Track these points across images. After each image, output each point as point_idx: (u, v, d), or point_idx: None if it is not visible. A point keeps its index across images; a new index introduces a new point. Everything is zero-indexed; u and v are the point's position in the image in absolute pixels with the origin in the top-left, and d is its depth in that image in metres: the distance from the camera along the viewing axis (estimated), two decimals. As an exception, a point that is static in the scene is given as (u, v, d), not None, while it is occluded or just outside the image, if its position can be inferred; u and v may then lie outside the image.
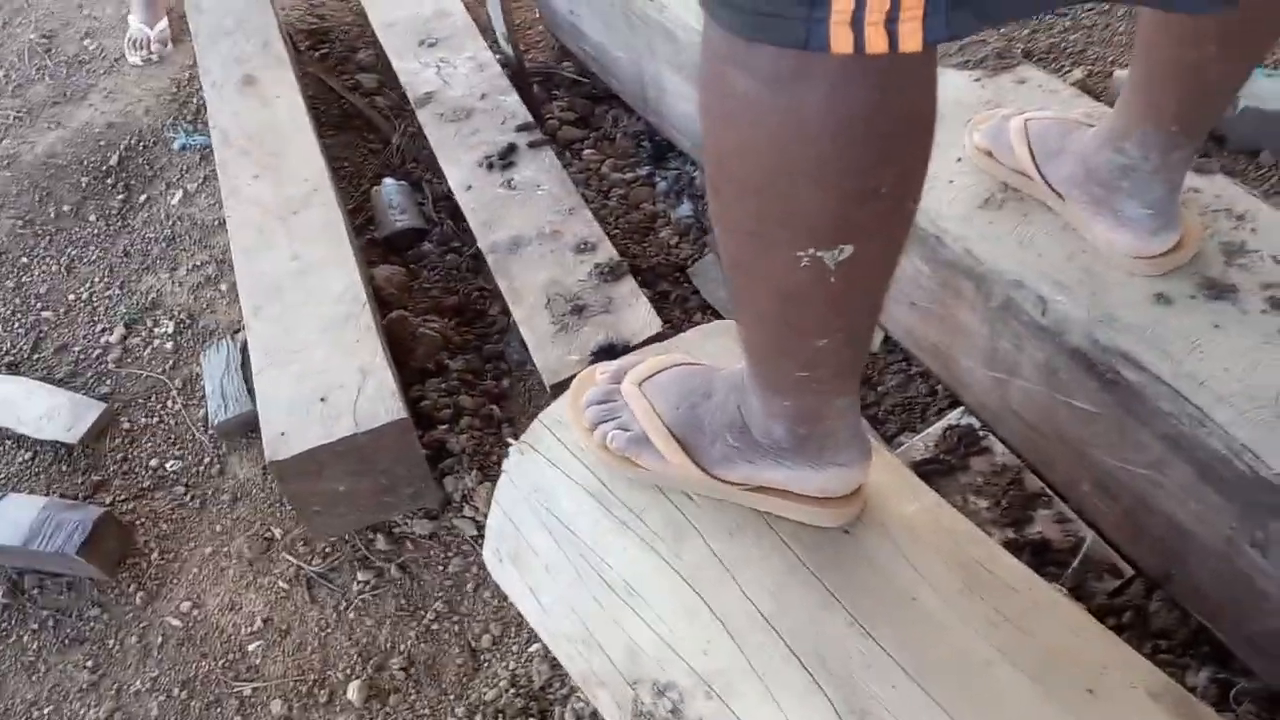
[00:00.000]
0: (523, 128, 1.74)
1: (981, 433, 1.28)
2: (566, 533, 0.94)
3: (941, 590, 0.82)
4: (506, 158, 1.67)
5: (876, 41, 0.50)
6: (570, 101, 1.99)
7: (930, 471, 1.25)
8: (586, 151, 1.88)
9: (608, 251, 1.49)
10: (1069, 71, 1.69)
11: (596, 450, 0.93)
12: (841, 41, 0.50)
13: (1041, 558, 1.15)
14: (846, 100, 0.54)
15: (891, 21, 0.49)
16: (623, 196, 1.79)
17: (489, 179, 1.65)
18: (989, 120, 1.21)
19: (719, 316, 1.55)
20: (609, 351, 1.33)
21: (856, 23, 0.49)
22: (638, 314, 1.39)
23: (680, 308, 1.59)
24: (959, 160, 1.22)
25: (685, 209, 1.72)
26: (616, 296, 1.42)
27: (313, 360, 1.35)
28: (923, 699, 0.75)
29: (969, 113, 1.27)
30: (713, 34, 0.55)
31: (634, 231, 1.72)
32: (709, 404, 0.87)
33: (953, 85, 1.31)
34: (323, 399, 1.29)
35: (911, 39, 0.50)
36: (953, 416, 1.31)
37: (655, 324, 1.36)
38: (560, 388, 1.24)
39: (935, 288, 1.22)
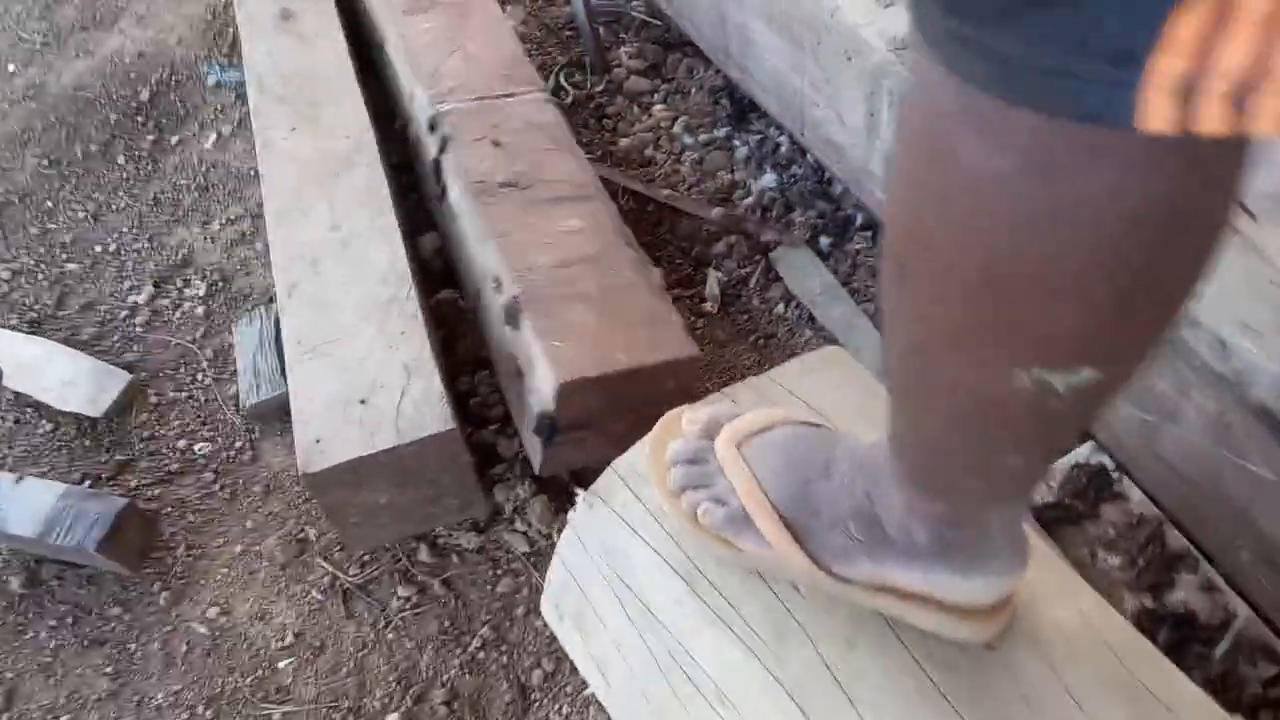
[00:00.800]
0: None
1: (1115, 474, 1.11)
2: (643, 611, 0.79)
3: (1108, 732, 0.66)
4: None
5: (1216, 118, 0.32)
6: (640, 48, 1.78)
7: (1054, 519, 1.09)
8: (657, 107, 1.69)
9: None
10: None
11: (684, 521, 0.78)
12: (1158, 115, 0.32)
13: (1183, 632, 0.99)
14: (1141, 194, 0.36)
15: (1244, 94, 0.31)
16: (697, 161, 1.60)
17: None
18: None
19: (803, 311, 1.38)
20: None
21: (1187, 91, 0.31)
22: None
23: (760, 296, 1.42)
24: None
25: (769, 179, 1.53)
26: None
27: (352, 352, 1.20)
28: None
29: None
30: (938, 80, 0.37)
31: (710, 202, 1.54)
32: (828, 484, 0.72)
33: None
34: (363, 401, 1.15)
35: (1271, 119, 0.32)
36: (1081, 453, 1.13)
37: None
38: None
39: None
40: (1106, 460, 1.12)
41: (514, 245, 1.20)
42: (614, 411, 1.13)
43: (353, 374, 1.18)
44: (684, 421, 0.82)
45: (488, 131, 1.36)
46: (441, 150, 1.37)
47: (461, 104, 1.42)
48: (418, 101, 1.49)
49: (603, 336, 1.10)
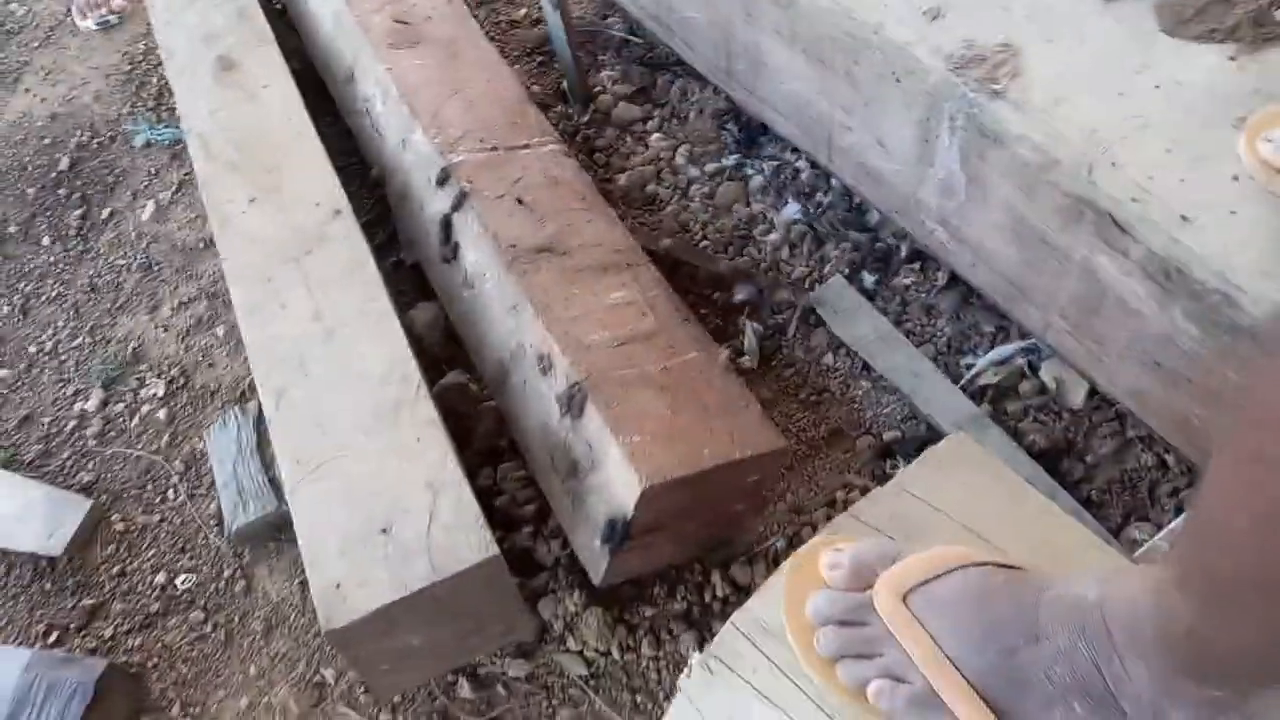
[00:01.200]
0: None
1: (1244, 527, 0.99)
2: (800, 809, 0.64)
3: None
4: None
5: None
6: (624, 70, 1.62)
7: (1183, 584, 0.97)
8: (653, 137, 1.53)
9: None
10: None
11: (843, 696, 0.63)
12: None
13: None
14: None
15: None
16: (707, 196, 1.44)
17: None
18: (1282, 123, 0.88)
19: (854, 358, 1.24)
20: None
21: None
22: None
23: (803, 346, 1.28)
24: (1235, 179, 0.89)
25: (792, 210, 1.38)
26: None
27: (361, 470, 1.03)
28: None
29: (1232, 106, 0.94)
30: None
31: (729, 242, 1.39)
32: (1037, 651, 0.57)
33: (1201, 66, 0.98)
34: (384, 530, 0.98)
35: None
36: (1201, 504, 1.01)
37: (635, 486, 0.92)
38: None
39: (1205, 354, 0.91)
40: (1233, 512, 1.00)
41: (561, 320, 1.04)
42: (689, 512, 0.98)
43: (367, 498, 1.00)
44: (824, 566, 0.68)
45: (509, 188, 1.19)
46: (455, 207, 1.19)
47: (473, 155, 1.24)
48: (415, 149, 1.31)
49: (680, 429, 0.94)
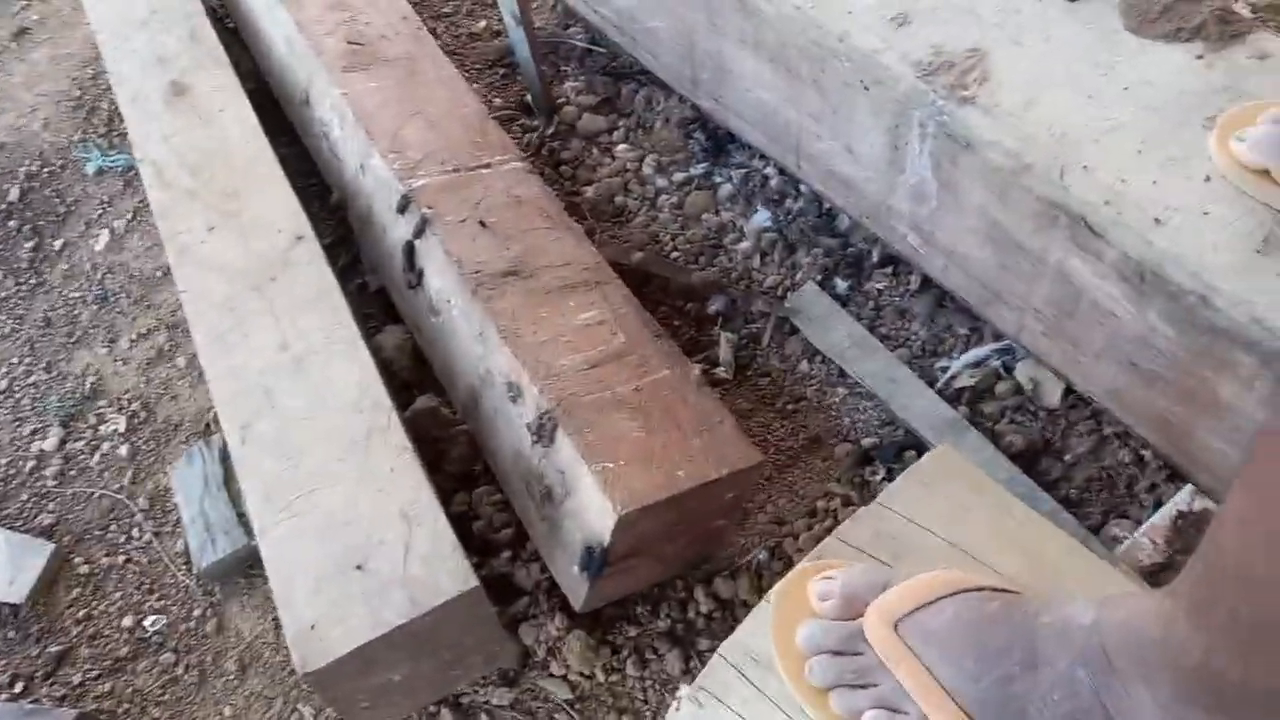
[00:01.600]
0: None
1: (1226, 524, 0.99)
2: (801, 845, 0.63)
3: None
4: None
5: None
6: (587, 80, 1.60)
7: (1166, 580, 0.97)
8: (619, 147, 1.51)
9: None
10: None
11: (839, 726, 0.62)
12: None
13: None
14: None
15: None
16: (675, 206, 1.43)
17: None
18: (1251, 121, 0.88)
19: (831, 365, 1.23)
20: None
21: None
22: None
23: (778, 354, 1.27)
24: (1208, 180, 0.89)
25: (762, 218, 1.37)
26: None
27: (333, 503, 1.00)
28: None
29: (1201, 105, 0.94)
30: None
31: (699, 252, 1.37)
32: (1034, 679, 0.56)
33: (1169, 65, 0.98)
34: (359, 566, 0.95)
35: None
36: (1180, 500, 1.01)
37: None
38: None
39: (1182, 354, 0.91)
40: (1211, 505, 1.00)
41: (529, 345, 1.02)
42: (668, 534, 0.96)
43: (340, 533, 0.97)
44: (814, 596, 0.66)
45: (471, 211, 1.16)
46: (418, 234, 1.17)
47: (433, 178, 1.21)
48: (374, 174, 1.28)
49: (656, 451, 0.93)
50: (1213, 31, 0.98)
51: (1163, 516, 1.01)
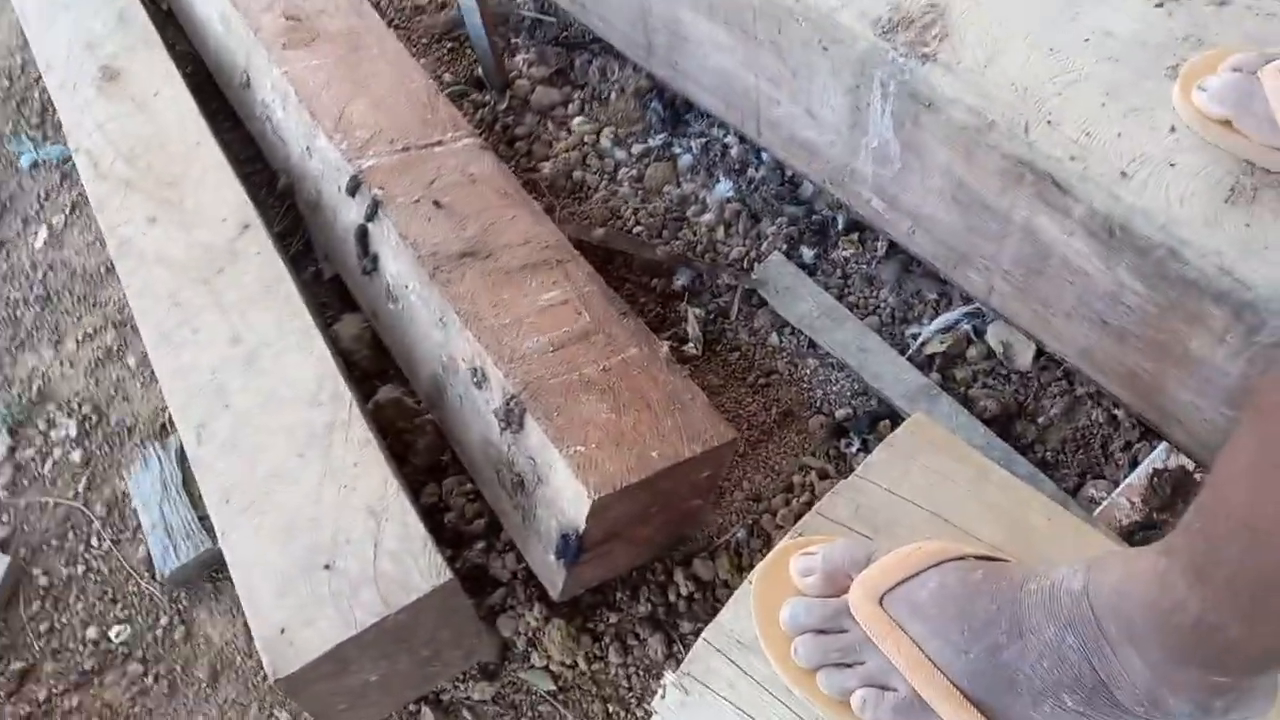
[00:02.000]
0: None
1: (1199, 475, 0.99)
2: (792, 830, 0.62)
3: None
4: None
5: None
6: (539, 52, 1.56)
7: (1145, 539, 0.97)
8: (575, 120, 1.47)
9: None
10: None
11: (826, 708, 0.60)
12: None
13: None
14: None
15: None
16: (636, 179, 1.40)
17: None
18: (1213, 70, 0.87)
19: (801, 336, 1.21)
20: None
21: None
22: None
23: (747, 328, 1.25)
24: (1173, 131, 0.88)
25: (724, 188, 1.34)
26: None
27: (295, 501, 0.97)
28: None
29: (1162, 54, 0.93)
30: None
31: (662, 225, 1.35)
32: (1022, 646, 0.55)
33: (1128, 13, 0.96)
34: (327, 566, 0.92)
35: None
36: (1156, 457, 1.01)
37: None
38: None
39: (1151, 309, 0.90)
40: (1186, 462, 1.00)
41: (491, 329, 0.99)
42: (643, 516, 0.94)
43: (305, 531, 0.94)
44: (795, 573, 0.65)
45: (425, 191, 1.12)
46: (370, 217, 1.13)
47: (383, 158, 1.17)
48: (321, 157, 1.24)
49: (627, 432, 0.90)
50: (1173, -20, 0.97)
51: (1139, 476, 1.01)
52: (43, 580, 1.20)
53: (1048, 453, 1.07)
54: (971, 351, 1.15)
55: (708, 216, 1.33)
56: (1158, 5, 0.96)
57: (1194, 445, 0.98)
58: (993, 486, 0.73)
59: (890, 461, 0.74)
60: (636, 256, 1.30)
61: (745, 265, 1.28)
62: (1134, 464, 1.03)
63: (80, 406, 1.33)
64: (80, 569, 1.20)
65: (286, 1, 1.43)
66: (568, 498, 0.89)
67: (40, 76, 1.60)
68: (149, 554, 1.18)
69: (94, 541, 1.22)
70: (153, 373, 1.21)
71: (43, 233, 1.53)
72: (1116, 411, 1.08)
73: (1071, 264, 0.95)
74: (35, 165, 1.62)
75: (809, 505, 1.04)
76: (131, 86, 1.40)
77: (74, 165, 1.47)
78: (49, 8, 1.53)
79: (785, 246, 1.28)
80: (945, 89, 0.96)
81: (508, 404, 0.95)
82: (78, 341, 1.40)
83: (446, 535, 1.10)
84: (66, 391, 1.35)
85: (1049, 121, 0.91)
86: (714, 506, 1.10)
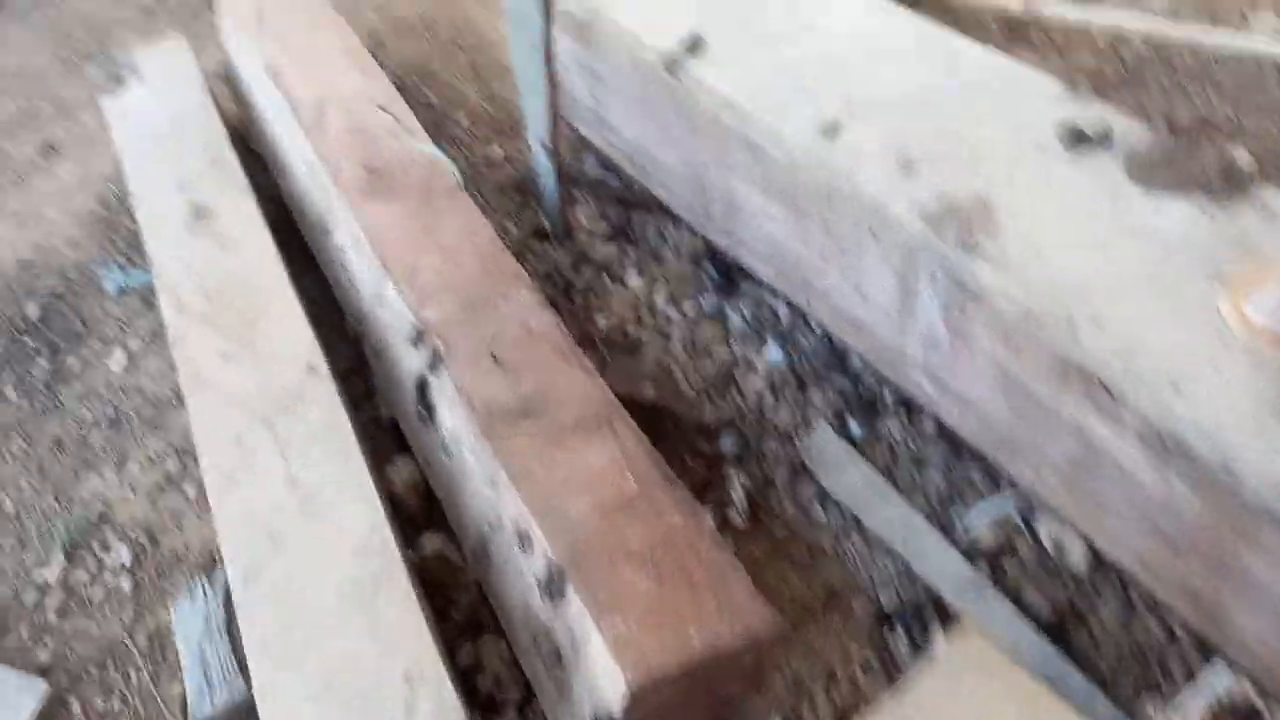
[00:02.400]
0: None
1: (1266, 711, 0.95)
2: None
3: None
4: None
5: None
6: (601, 209, 1.62)
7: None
8: (631, 277, 1.52)
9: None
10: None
11: None
12: None
13: None
14: None
15: None
16: (687, 338, 1.43)
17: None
18: (1262, 283, 0.88)
19: (845, 511, 1.21)
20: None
21: None
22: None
23: (792, 498, 1.24)
24: (1220, 339, 0.89)
25: (775, 354, 1.37)
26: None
27: (335, 659, 0.97)
28: None
29: (1208, 260, 0.94)
30: None
31: (711, 385, 1.37)
32: None
33: (1174, 216, 0.98)
34: (359, 731, 0.92)
35: None
36: (1219, 684, 0.97)
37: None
38: None
39: (1209, 524, 0.89)
40: (1250, 689, 0.96)
41: (540, 491, 1.00)
42: (685, 702, 0.93)
43: (341, 693, 0.95)
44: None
45: (484, 344, 1.17)
46: (431, 368, 1.17)
47: (447, 310, 1.22)
48: (390, 305, 1.29)
49: (668, 608, 0.90)
50: (1217, 184, 0.99)
51: (1199, 702, 0.97)
52: (77, 710, 1.20)
53: (1104, 664, 1.04)
54: (1022, 545, 1.13)
55: (757, 381, 1.35)
56: (1203, 208, 0.98)
57: (1259, 672, 0.95)
58: (1041, 714, 0.71)
59: (935, 688, 0.73)
60: (685, 417, 1.32)
61: (793, 432, 1.29)
62: (1190, 676, 0.99)
63: (135, 533, 1.36)
64: (116, 704, 1.21)
65: (366, 151, 1.52)
66: (604, 679, 0.88)
67: (133, 207, 1.70)
68: (184, 694, 1.18)
69: (132, 675, 1.23)
70: (208, 503, 1.24)
71: (119, 356, 1.60)
72: (1172, 625, 1.04)
73: (1122, 467, 0.94)
74: (121, 291, 1.71)
75: (851, 698, 1.02)
76: (219, 225, 1.48)
77: (155, 294, 1.54)
78: (148, 144, 1.64)
79: (833, 416, 1.29)
80: (990, 281, 0.99)
81: (550, 571, 0.95)
82: (140, 466, 1.45)
83: (480, 700, 1.09)
84: (125, 516, 1.39)
85: (1094, 320, 0.92)
86: (758, 693, 1.08)
